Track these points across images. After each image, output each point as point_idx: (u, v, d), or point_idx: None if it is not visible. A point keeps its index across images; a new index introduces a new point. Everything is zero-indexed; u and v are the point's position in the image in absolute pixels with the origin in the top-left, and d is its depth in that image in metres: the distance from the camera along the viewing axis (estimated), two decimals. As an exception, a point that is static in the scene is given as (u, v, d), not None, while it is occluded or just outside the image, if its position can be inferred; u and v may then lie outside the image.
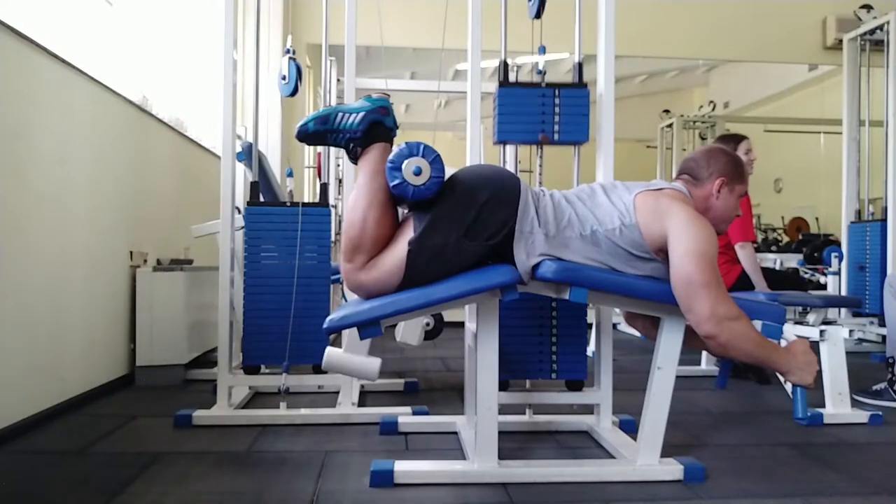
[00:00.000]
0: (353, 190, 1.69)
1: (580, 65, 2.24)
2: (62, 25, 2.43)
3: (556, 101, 2.15)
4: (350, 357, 1.71)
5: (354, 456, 1.93)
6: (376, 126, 1.69)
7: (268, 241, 2.39)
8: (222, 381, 2.34)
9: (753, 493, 1.64)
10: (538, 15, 2.30)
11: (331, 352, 1.72)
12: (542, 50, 2.35)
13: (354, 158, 1.73)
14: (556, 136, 2.16)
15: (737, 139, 3.22)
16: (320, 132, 1.69)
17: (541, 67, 2.30)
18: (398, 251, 1.63)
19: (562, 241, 1.67)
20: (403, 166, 1.61)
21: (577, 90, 2.18)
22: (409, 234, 1.64)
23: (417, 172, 1.60)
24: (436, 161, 1.63)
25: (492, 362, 1.70)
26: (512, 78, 2.12)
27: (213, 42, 4.05)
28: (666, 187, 1.77)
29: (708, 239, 1.62)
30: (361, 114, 1.67)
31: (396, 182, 1.61)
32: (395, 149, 1.64)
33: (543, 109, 2.15)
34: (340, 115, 1.68)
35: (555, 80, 2.17)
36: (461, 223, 1.62)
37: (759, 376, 3.10)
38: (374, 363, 1.66)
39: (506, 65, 2.22)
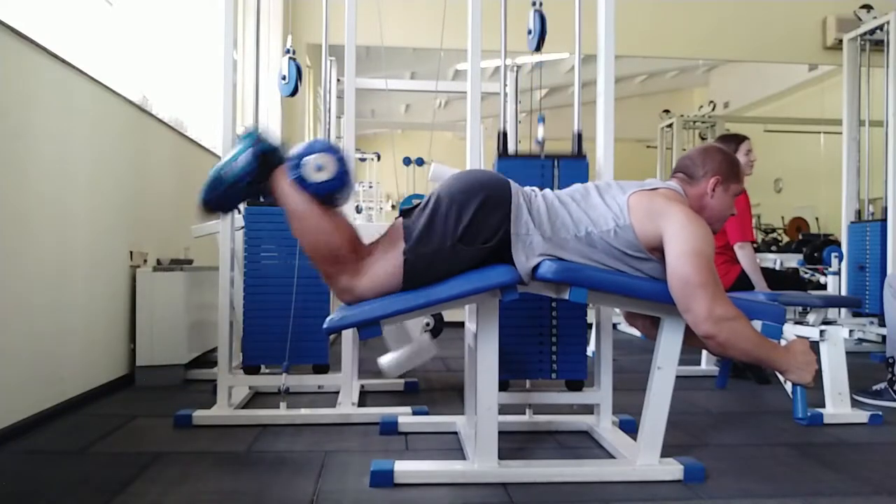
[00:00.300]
0: (290, 221, 1.66)
1: (580, 135, 2.23)
2: (62, 25, 2.43)
3: (556, 171, 2.16)
4: (403, 352, 1.72)
5: (354, 456, 1.93)
6: (266, 155, 1.65)
7: (268, 241, 2.39)
8: (222, 381, 2.34)
9: (753, 493, 1.64)
10: (538, 48, 2.30)
11: (386, 360, 1.71)
12: (541, 119, 2.35)
13: (268, 194, 1.69)
14: None
15: (737, 139, 3.22)
16: (221, 194, 1.65)
17: (539, 138, 2.30)
18: (392, 259, 1.63)
19: (558, 241, 1.67)
20: (303, 164, 1.59)
21: (577, 161, 2.18)
22: (398, 239, 1.64)
23: (319, 169, 1.59)
24: (339, 156, 1.60)
25: (492, 362, 1.70)
26: (511, 78, 2.13)
27: (213, 42, 4.05)
28: (660, 187, 1.77)
29: (704, 238, 1.62)
30: (246, 153, 1.63)
31: (296, 176, 1.59)
32: (294, 147, 1.62)
33: (542, 181, 2.15)
34: (226, 169, 1.64)
35: (554, 151, 2.18)
36: (455, 229, 1.61)
37: (759, 376, 3.10)
38: (425, 341, 1.66)
39: (505, 136, 2.22)
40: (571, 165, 2.17)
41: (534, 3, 2.22)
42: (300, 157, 1.60)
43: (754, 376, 3.12)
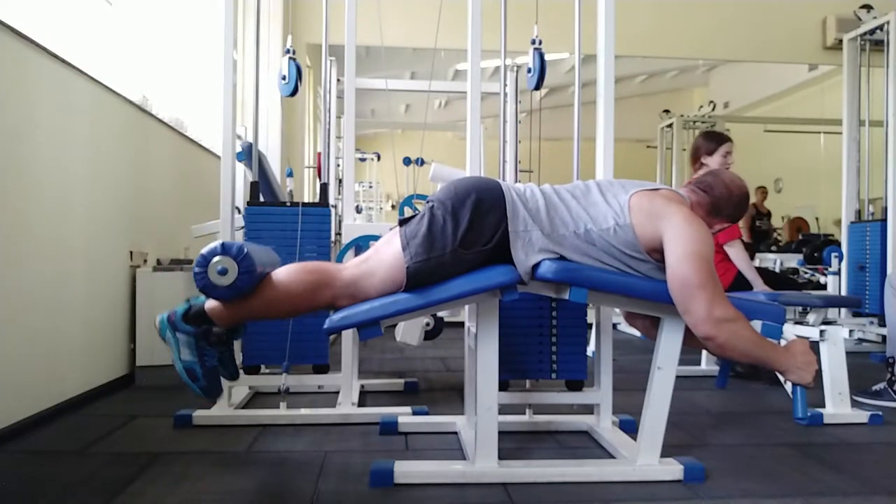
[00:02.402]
0: (264, 317, 1.70)
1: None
2: (62, 25, 2.43)
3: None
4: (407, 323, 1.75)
5: (354, 456, 1.93)
6: (189, 317, 1.65)
7: (268, 242, 2.38)
8: (222, 381, 2.34)
9: (753, 493, 1.64)
10: (538, 87, 2.31)
11: (400, 332, 1.73)
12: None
13: (235, 329, 1.71)
14: None
15: (720, 139, 3.20)
16: (204, 379, 1.65)
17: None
18: (394, 270, 1.62)
19: (556, 238, 1.67)
20: (209, 267, 1.58)
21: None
22: (398, 252, 1.63)
23: (223, 272, 1.58)
24: (243, 258, 1.58)
25: (492, 362, 1.70)
26: (511, 78, 2.14)
27: (213, 42, 4.05)
28: (662, 188, 1.77)
29: (704, 240, 1.62)
30: (178, 334, 1.65)
31: (204, 283, 1.59)
32: (200, 252, 1.62)
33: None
34: (181, 362, 1.64)
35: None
36: (454, 235, 1.61)
37: (772, 377, 3.09)
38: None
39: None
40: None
41: (533, 42, 2.22)
42: (201, 267, 1.59)
43: (766, 377, 3.11)
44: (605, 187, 1.78)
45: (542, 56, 2.24)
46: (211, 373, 1.67)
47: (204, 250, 1.60)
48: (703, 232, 1.64)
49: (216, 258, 1.58)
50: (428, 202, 1.70)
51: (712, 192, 1.85)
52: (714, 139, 3.21)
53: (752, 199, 7.64)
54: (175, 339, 1.65)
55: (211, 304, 1.66)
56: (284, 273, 1.66)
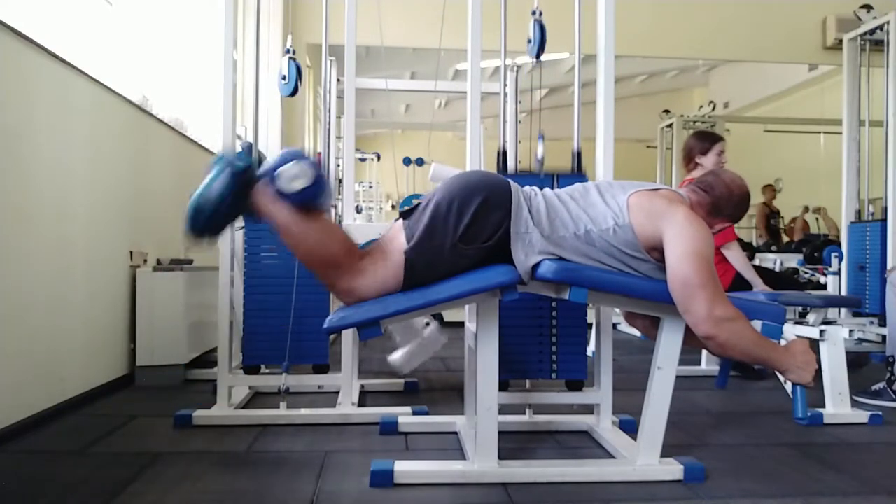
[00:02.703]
0: (280, 236, 1.65)
1: (579, 153, 2.23)
2: (62, 25, 2.43)
3: (555, 188, 2.16)
4: (413, 347, 1.73)
5: (354, 456, 1.93)
6: (241, 175, 1.63)
7: (268, 241, 2.39)
8: (222, 381, 2.34)
9: (753, 493, 1.64)
10: (538, 56, 2.30)
11: (395, 358, 1.72)
12: (541, 137, 2.36)
13: (251, 214, 1.68)
14: None
15: (712, 139, 3.22)
16: (204, 223, 1.64)
17: (539, 156, 2.31)
18: (393, 259, 1.63)
19: (556, 240, 1.67)
20: (279, 174, 1.57)
21: (576, 178, 2.17)
22: (399, 240, 1.64)
23: (295, 178, 1.57)
24: (312, 162, 1.59)
25: (492, 362, 1.70)
26: (511, 78, 2.13)
27: (213, 42, 4.05)
28: (662, 188, 1.78)
29: (704, 240, 1.62)
30: (223, 175, 1.62)
31: (277, 189, 1.57)
32: (268, 161, 1.61)
33: None
34: (204, 196, 1.63)
35: (554, 168, 2.18)
36: (456, 229, 1.62)
37: (753, 373, 3.10)
38: (433, 332, 1.67)
39: (505, 154, 2.22)
40: (571, 182, 2.16)
41: (533, 13, 2.22)
42: (274, 169, 1.58)
43: (750, 374, 3.12)
44: (605, 188, 1.78)
45: (542, 27, 2.24)
46: (209, 222, 1.65)
47: (281, 155, 1.60)
48: (703, 231, 1.64)
49: (294, 163, 1.57)
50: (434, 192, 1.70)
51: (713, 192, 1.85)
52: (707, 139, 3.23)
53: (762, 198, 7.66)
54: (218, 175, 1.62)
55: (260, 193, 1.62)
56: (332, 223, 1.69)
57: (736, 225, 3.03)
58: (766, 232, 7.39)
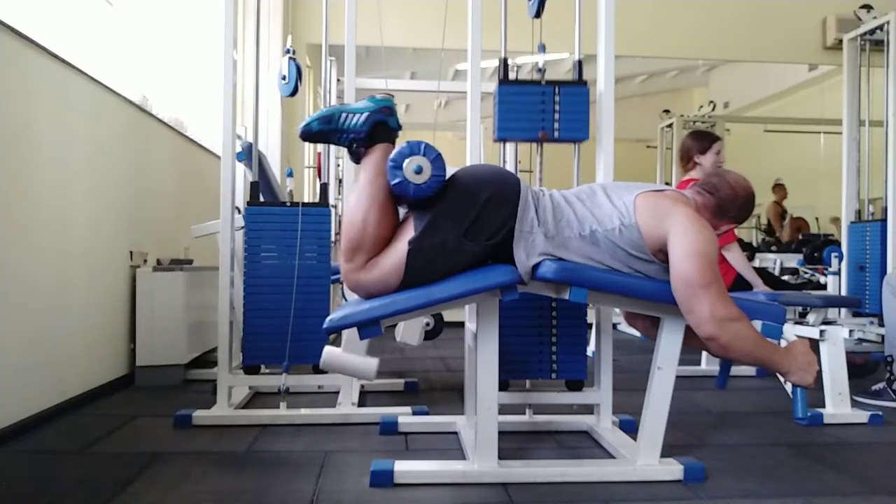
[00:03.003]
0: (353, 190, 1.69)
1: (580, 62, 2.24)
2: (62, 25, 2.43)
3: (556, 98, 2.15)
4: (348, 357, 1.72)
5: (354, 456, 1.93)
6: (380, 126, 1.68)
7: (268, 241, 2.39)
8: (222, 381, 2.34)
9: (753, 493, 1.64)
10: (538, 14, 2.30)
11: (329, 351, 1.72)
12: (542, 48, 2.35)
13: (357, 158, 1.73)
14: (556, 134, 2.16)
15: (711, 139, 3.24)
16: (324, 132, 1.68)
17: (541, 66, 2.30)
18: (398, 251, 1.63)
19: (561, 240, 1.67)
20: (405, 165, 1.61)
21: (577, 87, 2.17)
22: (409, 233, 1.64)
23: (418, 171, 1.60)
24: (437, 160, 1.63)
25: (492, 362, 1.70)
26: (512, 77, 2.11)
27: (213, 42, 4.05)
28: (667, 189, 1.78)
29: (708, 240, 1.62)
30: (365, 114, 1.67)
31: (398, 181, 1.61)
32: (396, 148, 1.65)
33: (543, 107, 2.15)
34: (344, 115, 1.67)
35: (555, 79, 2.17)
36: (461, 223, 1.62)
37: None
38: (372, 363, 1.67)
39: (505, 62, 2.22)
40: (572, 92, 2.17)
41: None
42: (409, 152, 1.62)
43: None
44: (611, 189, 1.78)
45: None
46: (326, 135, 1.69)
47: (417, 143, 1.63)
48: (707, 232, 1.64)
49: (427, 162, 1.62)
50: (444, 183, 1.69)
51: (717, 194, 1.85)
52: (705, 138, 3.24)
53: (772, 197, 7.66)
54: (364, 111, 1.68)
55: (379, 150, 1.68)
56: (394, 216, 1.70)
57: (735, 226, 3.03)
58: (781, 228, 7.41)
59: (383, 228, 1.65)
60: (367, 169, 1.67)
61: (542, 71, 2.28)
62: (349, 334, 1.68)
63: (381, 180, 1.64)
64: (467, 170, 1.73)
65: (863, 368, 3.24)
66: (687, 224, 1.64)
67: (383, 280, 1.63)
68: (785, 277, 5.07)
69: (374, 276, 1.63)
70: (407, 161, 1.61)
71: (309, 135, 1.70)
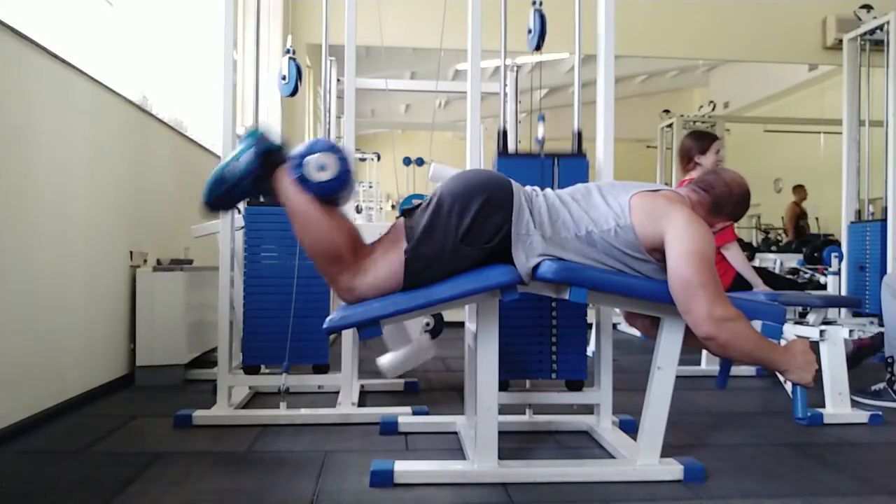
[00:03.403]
0: (293, 221, 1.66)
1: (579, 133, 2.22)
2: (62, 25, 2.43)
3: (556, 170, 2.16)
4: (402, 353, 1.73)
5: (354, 456, 1.93)
6: (270, 154, 1.64)
7: (268, 241, 2.39)
8: (222, 381, 2.34)
9: (753, 493, 1.64)
10: (538, 47, 2.30)
11: (383, 361, 1.73)
12: (541, 118, 2.35)
13: (269, 194, 1.69)
14: None
15: (710, 138, 3.26)
16: (223, 194, 1.65)
17: (539, 137, 2.30)
18: (393, 258, 1.63)
19: (558, 241, 1.67)
20: (307, 163, 1.59)
21: (577, 160, 2.18)
22: (401, 239, 1.64)
23: (321, 168, 1.59)
24: (341, 156, 1.60)
25: (492, 362, 1.70)
26: (511, 78, 2.13)
27: (213, 42, 4.05)
28: (663, 189, 1.78)
29: (705, 240, 1.62)
30: (249, 152, 1.63)
31: (298, 174, 1.59)
32: (300, 145, 1.63)
33: (542, 180, 2.14)
34: (230, 166, 1.64)
35: (554, 150, 2.18)
36: (457, 230, 1.62)
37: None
38: (424, 341, 1.67)
39: (505, 134, 2.22)
40: (571, 164, 2.17)
41: (534, 3, 2.22)
42: (302, 156, 1.60)
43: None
44: (606, 189, 1.78)
45: (542, 17, 2.24)
46: (229, 194, 1.66)
47: (311, 143, 1.62)
48: (704, 232, 1.64)
49: (320, 155, 1.59)
50: (436, 191, 1.70)
51: (713, 191, 1.85)
52: (706, 138, 3.25)
53: (792, 198, 7.65)
54: (247, 149, 1.64)
55: (282, 175, 1.64)
56: (343, 216, 1.68)
57: (735, 225, 3.03)
58: (794, 232, 7.40)
59: (344, 230, 1.64)
60: (288, 196, 1.64)
61: (541, 142, 2.28)
62: (388, 332, 1.68)
63: (307, 196, 1.62)
64: (458, 177, 1.72)
65: (871, 349, 3.24)
66: (683, 224, 1.64)
67: (381, 287, 1.64)
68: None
69: (370, 284, 1.64)
70: (308, 159, 1.59)
71: (213, 205, 1.68)
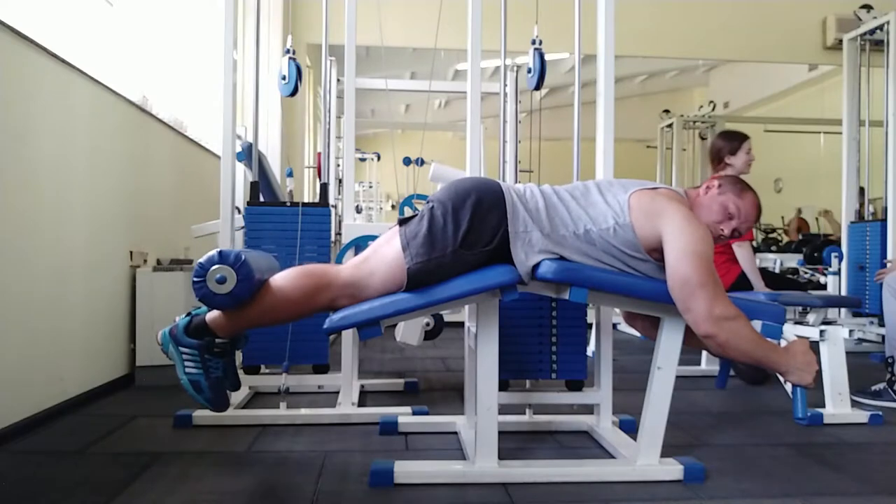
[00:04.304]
0: (261, 326, 1.70)
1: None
2: (62, 25, 2.43)
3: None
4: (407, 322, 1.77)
5: (354, 456, 1.93)
6: (210, 299, 1.62)
7: (268, 241, 2.39)
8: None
9: (753, 493, 1.64)
10: (538, 87, 2.31)
11: (401, 336, 1.76)
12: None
13: (231, 338, 1.68)
14: None
15: (740, 138, 3.24)
16: (212, 396, 1.66)
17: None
18: (394, 273, 1.62)
19: (557, 238, 1.67)
20: (207, 276, 1.58)
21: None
22: (396, 249, 1.63)
23: (222, 281, 1.58)
24: (242, 266, 1.59)
25: (492, 362, 1.70)
26: (511, 78, 2.14)
27: (213, 42, 4.05)
28: (662, 187, 1.77)
29: (703, 239, 1.62)
30: (182, 348, 1.64)
31: (203, 292, 1.58)
32: (199, 259, 1.62)
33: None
34: (189, 380, 1.65)
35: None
36: (455, 236, 1.61)
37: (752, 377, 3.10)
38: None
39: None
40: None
41: (533, 42, 2.23)
42: (199, 275, 1.59)
43: (746, 376, 3.12)
44: (605, 187, 1.78)
45: (542, 56, 2.25)
46: (216, 384, 1.67)
47: (202, 259, 1.60)
48: (702, 231, 1.64)
49: (214, 267, 1.58)
50: (428, 202, 1.70)
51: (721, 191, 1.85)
52: (736, 138, 3.24)
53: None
54: (178, 353, 1.64)
55: (212, 314, 1.66)
56: (282, 278, 1.66)
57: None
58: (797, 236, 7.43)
59: (294, 288, 1.64)
60: (236, 324, 1.65)
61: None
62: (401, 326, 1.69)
63: (237, 312, 1.63)
64: (447, 188, 1.72)
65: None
66: (683, 223, 1.64)
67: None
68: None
69: (373, 295, 1.64)
70: (209, 272, 1.58)
71: (217, 406, 1.69)
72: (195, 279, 1.59)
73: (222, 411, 1.71)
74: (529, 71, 2.29)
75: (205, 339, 1.64)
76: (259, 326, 1.72)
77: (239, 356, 2.49)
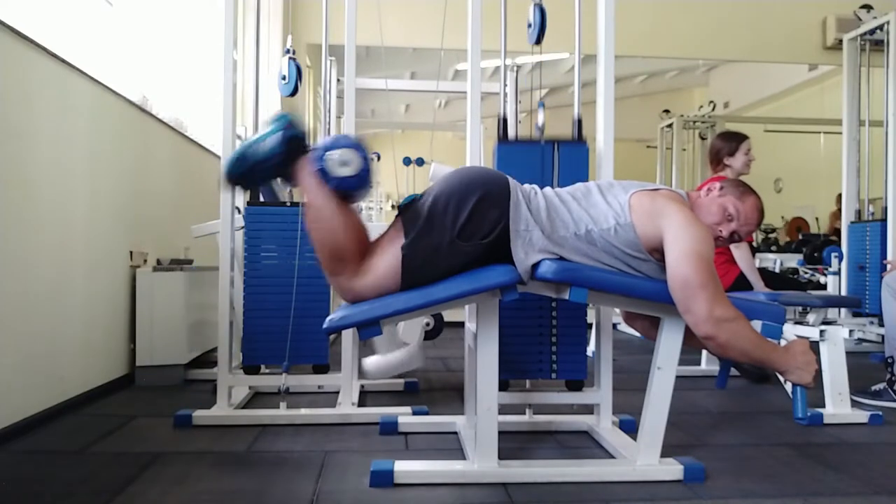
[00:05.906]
0: (307, 210, 1.66)
1: (580, 121, 2.22)
2: (62, 25, 2.43)
3: (556, 156, 2.15)
4: (390, 357, 1.72)
5: (354, 456, 1.93)
6: (294, 141, 1.64)
7: (268, 241, 2.39)
8: (222, 381, 2.34)
9: (753, 493, 1.64)
10: (538, 41, 2.30)
11: (368, 363, 1.71)
12: (542, 105, 2.34)
13: (289, 180, 1.69)
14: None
15: (739, 138, 3.25)
16: (245, 172, 1.65)
17: (539, 124, 2.30)
18: (391, 255, 1.63)
19: (557, 238, 1.67)
20: (329, 157, 1.59)
21: (577, 145, 2.17)
22: (398, 237, 1.64)
23: (344, 164, 1.59)
24: (363, 154, 1.61)
25: (492, 362, 1.70)
26: (511, 78, 2.14)
27: (213, 42, 4.05)
28: (662, 188, 1.78)
29: (704, 240, 1.62)
30: (276, 135, 1.63)
31: (320, 168, 1.59)
32: (320, 141, 1.63)
33: (543, 165, 2.14)
34: (255, 146, 1.64)
35: (555, 134, 2.17)
36: (453, 225, 1.62)
37: (756, 374, 3.10)
38: (414, 350, 1.67)
39: (505, 122, 2.22)
40: (571, 150, 2.16)
41: None
42: (326, 149, 1.60)
43: (751, 375, 3.12)
44: (606, 188, 1.78)
45: (542, 11, 2.23)
46: (250, 172, 1.65)
47: (335, 138, 1.63)
48: (703, 232, 1.65)
49: (349, 151, 1.59)
50: (433, 187, 1.70)
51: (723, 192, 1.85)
52: (734, 138, 3.24)
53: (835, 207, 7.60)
54: (273, 133, 1.63)
55: (304, 165, 1.64)
56: (356, 215, 1.69)
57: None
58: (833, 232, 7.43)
59: (353, 230, 1.65)
60: (307, 187, 1.64)
61: (541, 129, 2.27)
62: (379, 340, 1.67)
63: (325, 189, 1.62)
64: (455, 173, 1.73)
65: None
66: (684, 224, 1.64)
67: (381, 285, 1.64)
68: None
69: (370, 283, 1.64)
70: (330, 153, 1.59)
71: (233, 179, 1.68)
72: (330, 145, 1.60)
73: (233, 183, 1.70)
74: (530, 26, 2.27)
75: (285, 156, 1.63)
76: (308, 207, 1.65)
77: (238, 355, 2.49)
